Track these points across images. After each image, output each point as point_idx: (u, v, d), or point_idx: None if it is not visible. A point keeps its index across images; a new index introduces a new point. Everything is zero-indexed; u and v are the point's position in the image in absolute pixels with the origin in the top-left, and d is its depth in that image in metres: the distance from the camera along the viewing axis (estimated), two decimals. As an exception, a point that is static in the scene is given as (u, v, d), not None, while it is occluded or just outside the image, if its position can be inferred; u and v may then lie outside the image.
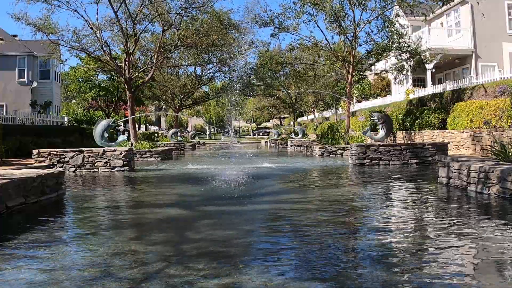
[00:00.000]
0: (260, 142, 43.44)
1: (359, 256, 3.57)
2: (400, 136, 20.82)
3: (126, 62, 19.91)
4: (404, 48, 20.15)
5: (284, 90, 36.97)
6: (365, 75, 29.03)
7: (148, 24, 21.32)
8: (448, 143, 14.21)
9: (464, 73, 23.28)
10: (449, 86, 21.08)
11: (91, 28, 19.16)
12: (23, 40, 27.68)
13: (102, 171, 12.10)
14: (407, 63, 21.35)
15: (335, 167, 12.76)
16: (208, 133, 75.71)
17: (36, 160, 12.26)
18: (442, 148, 13.18)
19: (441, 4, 20.75)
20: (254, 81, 34.94)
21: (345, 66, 20.89)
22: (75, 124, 27.71)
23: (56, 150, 12.51)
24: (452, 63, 24.18)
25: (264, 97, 43.06)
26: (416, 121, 19.52)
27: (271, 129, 67.65)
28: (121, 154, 12.38)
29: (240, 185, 8.07)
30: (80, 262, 3.47)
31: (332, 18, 19.20)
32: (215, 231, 4.59)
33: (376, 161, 12.86)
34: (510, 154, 6.85)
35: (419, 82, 26.79)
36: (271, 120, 76.00)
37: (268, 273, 3.12)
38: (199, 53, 26.88)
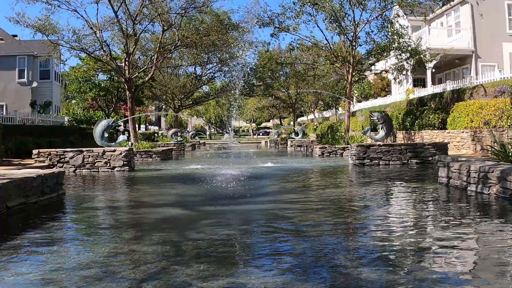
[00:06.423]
0: (260, 142, 43.42)
1: (359, 256, 3.57)
2: (400, 136, 20.82)
3: (126, 62, 19.90)
4: (404, 48, 20.15)
5: (284, 90, 36.95)
6: (365, 75, 29.02)
7: (148, 24, 21.31)
8: (448, 143, 14.21)
9: (464, 73, 23.28)
10: (449, 86, 21.08)
11: (91, 28, 19.16)
12: (23, 40, 27.67)
13: (102, 171, 12.10)
14: (407, 63, 21.35)
15: (335, 167, 12.76)
16: (208, 133, 75.78)
17: (36, 160, 12.25)
18: (442, 148, 13.19)
19: (441, 4, 20.78)
20: (254, 81, 34.90)
21: (345, 66, 20.89)
22: (75, 124, 27.73)
23: (56, 150, 12.50)
24: (452, 63, 24.18)
25: (264, 97, 43.04)
26: (416, 121, 19.52)
27: (271, 129, 67.57)
28: (121, 154, 12.38)
29: (240, 185, 8.06)
30: (80, 262, 3.47)
31: (332, 18, 19.22)
32: (215, 231, 4.59)
33: (376, 161, 12.85)
34: (510, 154, 6.84)
35: (419, 82, 26.79)
36: (271, 120, 75.95)
37: (268, 273, 3.12)
38: (199, 53, 26.87)
